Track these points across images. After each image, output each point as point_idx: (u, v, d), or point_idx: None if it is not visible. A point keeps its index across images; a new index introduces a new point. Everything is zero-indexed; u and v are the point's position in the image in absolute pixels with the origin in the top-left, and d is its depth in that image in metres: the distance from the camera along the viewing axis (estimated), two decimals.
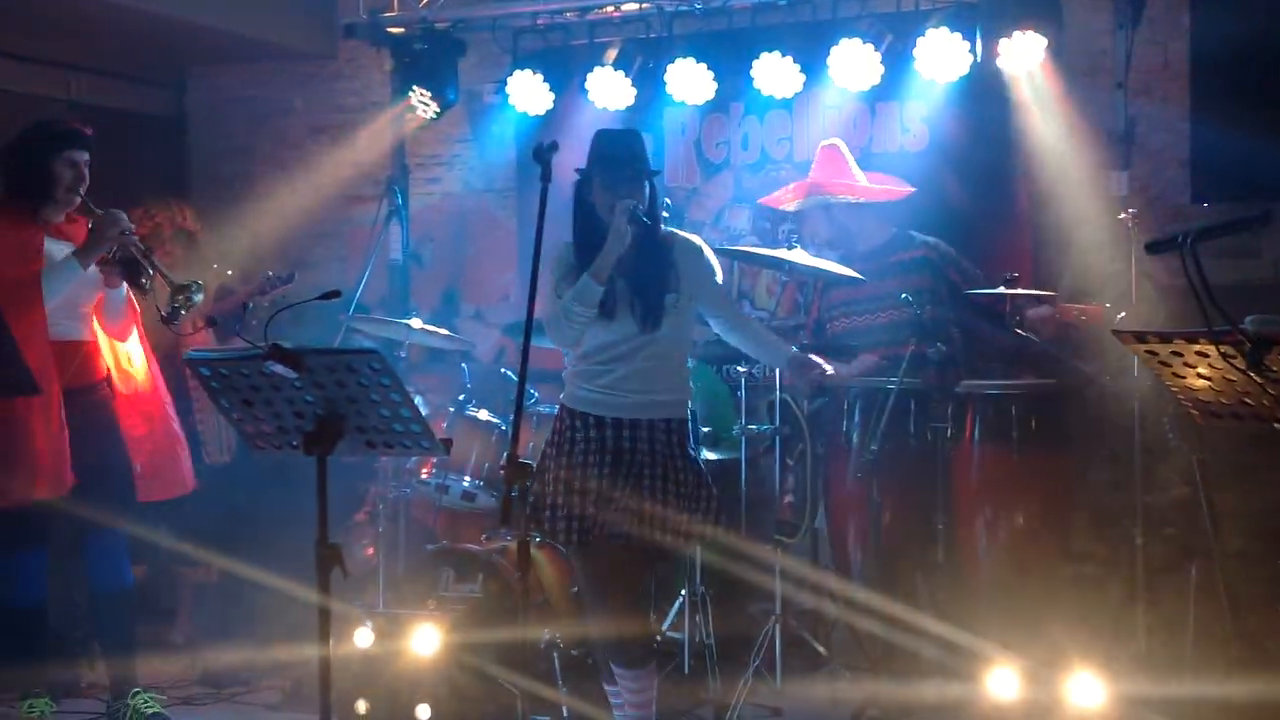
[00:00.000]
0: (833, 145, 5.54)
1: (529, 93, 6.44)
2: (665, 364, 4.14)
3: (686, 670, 5.17)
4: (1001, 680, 4.66)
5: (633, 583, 4.19)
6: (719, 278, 4.29)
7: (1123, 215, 5.05)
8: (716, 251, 6.03)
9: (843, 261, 5.35)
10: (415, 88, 6.62)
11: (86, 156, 4.93)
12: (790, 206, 5.62)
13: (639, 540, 4.02)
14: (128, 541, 5.15)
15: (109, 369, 5.04)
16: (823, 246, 5.43)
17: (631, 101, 6.30)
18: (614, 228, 4.00)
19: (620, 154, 4.10)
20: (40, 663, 5.05)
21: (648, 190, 4.10)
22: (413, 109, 6.70)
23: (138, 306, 5.09)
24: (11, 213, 4.89)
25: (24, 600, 4.94)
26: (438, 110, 6.64)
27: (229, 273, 6.23)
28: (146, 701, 5.01)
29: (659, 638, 5.30)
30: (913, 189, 5.50)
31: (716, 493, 4.18)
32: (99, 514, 4.96)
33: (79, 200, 4.91)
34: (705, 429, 5.38)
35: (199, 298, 4.89)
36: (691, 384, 4.30)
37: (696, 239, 4.26)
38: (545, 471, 4.12)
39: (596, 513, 4.02)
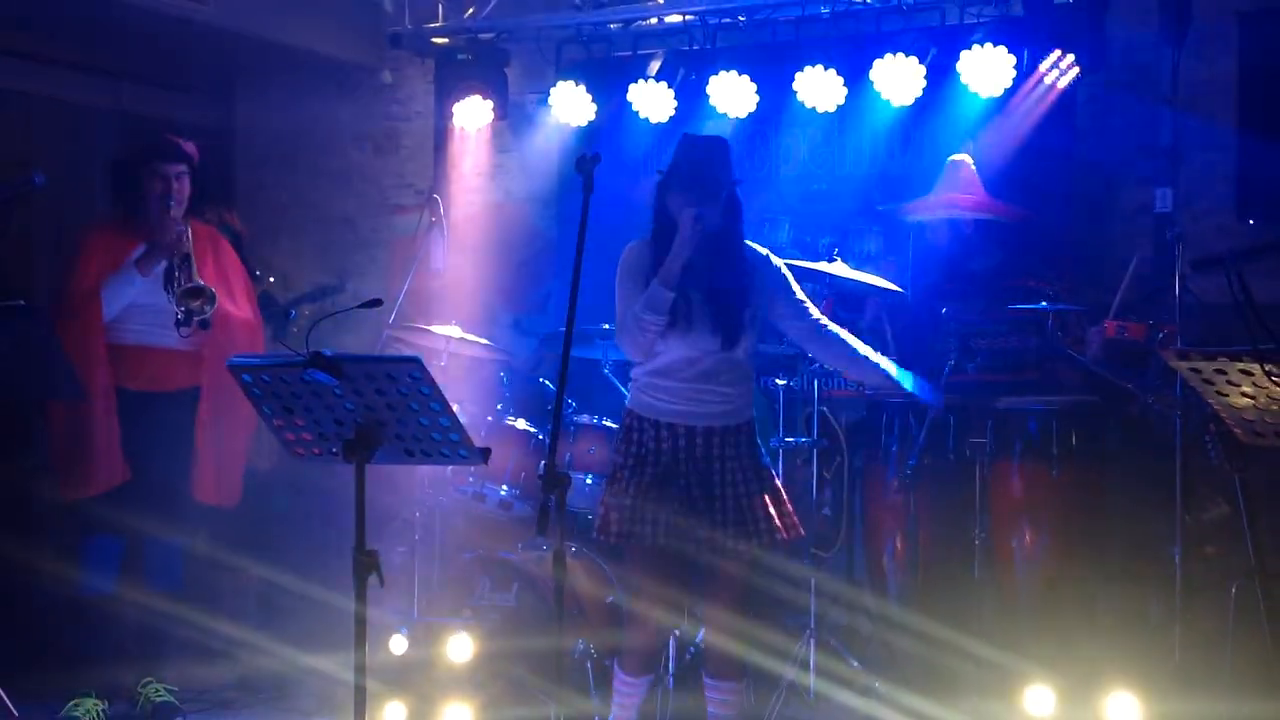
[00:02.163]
0: (963, 160, 5.46)
1: (572, 103, 6.46)
2: (742, 373, 4.16)
3: None
4: (1037, 698, 4.64)
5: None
6: (792, 284, 4.23)
7: (1168, 232, 5.01)
8: None
9: (951, 279, 5.31)
10: (459, 99, 6.66)
11: (181, 169, 5.08)
12: (921, 217, 5.53)
13: (709, 548, 4.03)
14: (184, 546, 5.26)
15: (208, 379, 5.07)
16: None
17: (673, 113, 6.31)
18: (680, 236, 4.01)
19: (697, 161, 4.10)
20: (93, 659, 5.11)
21: (725, 200, 4.09)
22: (456, 119, 6.73)
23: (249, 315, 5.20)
24: (112, 225, 5.12)
25: (88, 588, 5.03)
26: (482, 121, 6.67)
27: (271, 280, 6.28)
28: (157, 690, 5.16)
29: (691, 648, 5.30)
30: (1028, 214, 5.46)
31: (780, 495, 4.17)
32: (150, 516, 5.04)
33: (172, 211, 4.99)
34: None
35: (210, 309, 4.91)
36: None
37: (763, 250, 4.25)
38: (619, 480, 4.10)
39: (676, 519, 4.02)
